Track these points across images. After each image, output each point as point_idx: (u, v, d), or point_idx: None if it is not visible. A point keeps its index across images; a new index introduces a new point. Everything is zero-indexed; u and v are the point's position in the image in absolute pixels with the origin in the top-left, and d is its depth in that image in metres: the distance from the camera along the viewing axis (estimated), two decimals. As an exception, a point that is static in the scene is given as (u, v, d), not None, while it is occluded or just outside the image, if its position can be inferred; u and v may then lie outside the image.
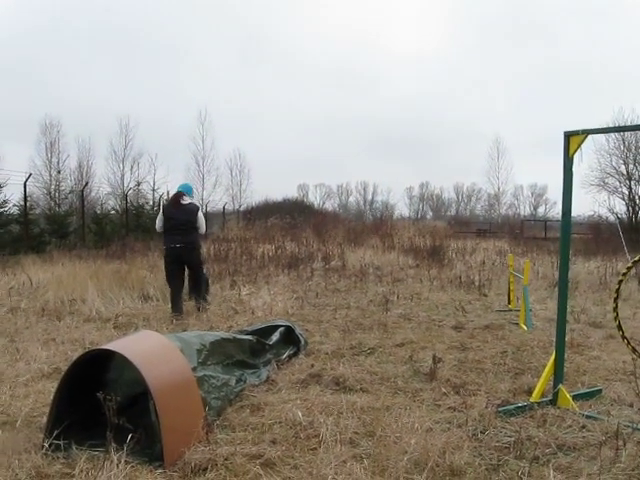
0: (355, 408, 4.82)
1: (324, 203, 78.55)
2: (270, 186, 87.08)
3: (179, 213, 9.41)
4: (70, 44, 76.38)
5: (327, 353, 6.78)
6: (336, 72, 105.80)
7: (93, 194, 37.55)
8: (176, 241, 9.31)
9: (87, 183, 35.90)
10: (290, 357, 6.44)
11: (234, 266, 14.28)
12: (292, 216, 30.66)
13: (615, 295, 4.98)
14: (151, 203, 28.53)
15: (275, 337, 6.46)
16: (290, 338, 6.71)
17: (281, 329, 6.65)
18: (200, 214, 9.68)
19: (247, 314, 8.92)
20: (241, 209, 46.86)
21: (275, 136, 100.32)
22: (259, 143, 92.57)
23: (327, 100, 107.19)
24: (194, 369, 4.61)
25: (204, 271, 10.29)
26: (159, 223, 9.57)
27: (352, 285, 12.63)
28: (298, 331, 6.90)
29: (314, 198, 79.79)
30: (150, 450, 3.94)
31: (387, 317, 8.97)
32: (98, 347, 4.78)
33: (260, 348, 6.03)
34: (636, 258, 4.92)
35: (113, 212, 27.58)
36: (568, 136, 4.98)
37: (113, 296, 9.99)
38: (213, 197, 47.22)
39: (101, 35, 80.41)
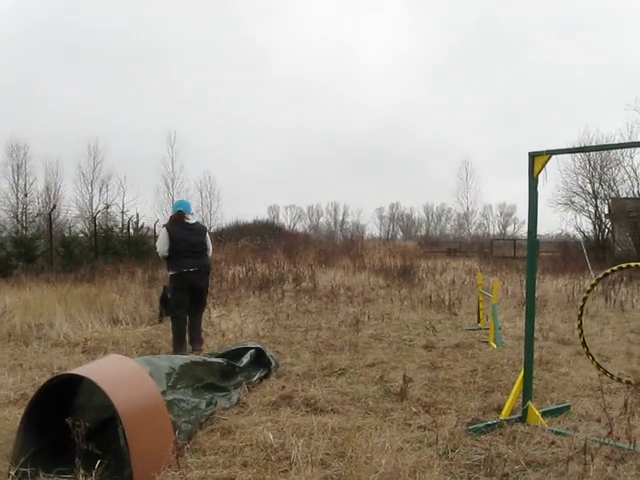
0: (326, 429, 4.81)
1: (295, 224, 78.68)
2: (240, 208, 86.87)
3: (189, 234, 8.48)
4: (36, 64, 75.74)
5: (298, 374, 6.78)
6: (305, 93, 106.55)
7: (61, 217, 37.30)
8: (189, 265, 8.32)
9: (55, 206, 35.68)
10: (261, 379, 6.42)
11: (205, 288, 14.22)
12: (263, 237, 30.66)
13: (579, 312, 5.05)
14: (120, 226, 28.30)
15: (246, 359, 6.43)
16: (261, 360, 6.69)
17: (251, 351, 6.62)
18: (208, 236, 8.87)
19: (217, 337, 8.89)
20: (211, 231, 46.66)
21: (245, 158, 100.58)
22: (229, 165, 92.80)
23: (297, 122, 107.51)
24: (163, 393, 4.57)
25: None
26: (164, 247, 8.41)
27: (323, 306, 12.64)
28: (269, 353, 6.88)
29: (285, 219, 79.86)
30: (119, 476, 3.90)
31: (358, 337, 8.98)
32: (66, 372, 4.73)
33: (230, 371, 6.00)
34: (600, 275, 4.99)
35: (82, 235, 27.28)
36: (533, 156, 5.06)
37: (82, 320, 9.87)
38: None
39: (68, 55, 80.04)
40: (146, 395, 4.27)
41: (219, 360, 5.96)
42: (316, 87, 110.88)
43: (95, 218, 27.56)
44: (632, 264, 4.88)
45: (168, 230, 8.49)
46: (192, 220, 8.69)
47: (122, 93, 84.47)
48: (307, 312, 11.89)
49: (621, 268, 4.89)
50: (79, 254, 22.43)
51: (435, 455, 4.27)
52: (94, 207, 44.95)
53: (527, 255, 5.26)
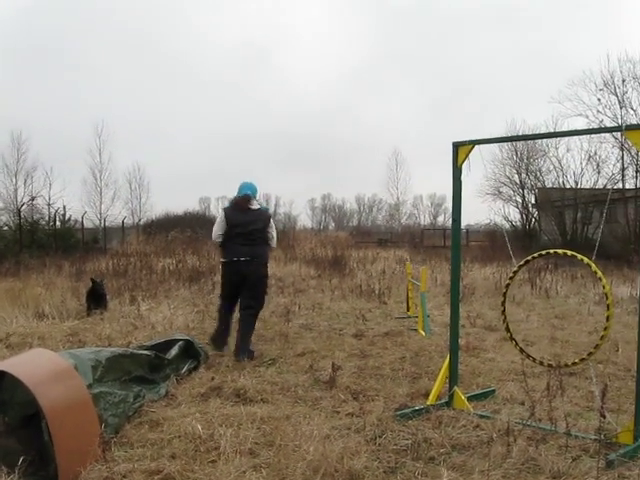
0: (255, 419, 4.82)
1: (227, 216, 78.02)
2: (171, 199, 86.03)
3: (248, 220, 7.70)
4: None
5: (228, 366, 6.75)
6: (237, 84, 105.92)
7: (-17, 210, 36.11)
8: (240, 253, 7.59)
9: (-23, 199, 34.54)
10: (190, 371, 6.37)
11: (133, 281, 14.01)
12: (193, 229, 30.34)
13: (503, 299, 5.17)
14: (47, 218, 27.66)
15: (174, 351, 6.36)
16: (190, 352, 6.63)
17: (180, 343, 6.55)
18: (273, 223, 8.03)
19: (147, 329, 8.77)
20: (141, 223, 45.93)
21: (176, 149, 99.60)
22: (159, 156, 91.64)
23: (229, 112, 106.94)
24: (89, 386, 4.50)
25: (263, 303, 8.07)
26: (218, 232, 7.78)
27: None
28: (198, 345, 6.83)
29: (216, 211, 79.11)
30: (44, 472, 3.83)
31: (288, 328, 8.99)
32: (-13, 368, 4.61)
33: (159, 363, 5.94)
34: (521, 262, 5.12)
35: (6, 228, 26.59)
36: (457, 146, 5.16)
37: (5, 315, 9.61)
38: (112, 211, 46.09)
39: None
40: (71, 389, 4.19)
41: (147, 352, 5.89)
42: (248, 78, 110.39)
43: (20, 210, 26.86)
44: (551, 251, 5.01)
45: (226, 214, 7.82)
46: (256, 206, 7.91)
47: (48, 82, 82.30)
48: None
49: (541, 255, 5.02)
50: (3, 248, 21.86)
51: (363, 441, 4.33)
52: (19, 199, 43.59)
53: (451, 242, 5.36)
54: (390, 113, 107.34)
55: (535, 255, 5.05)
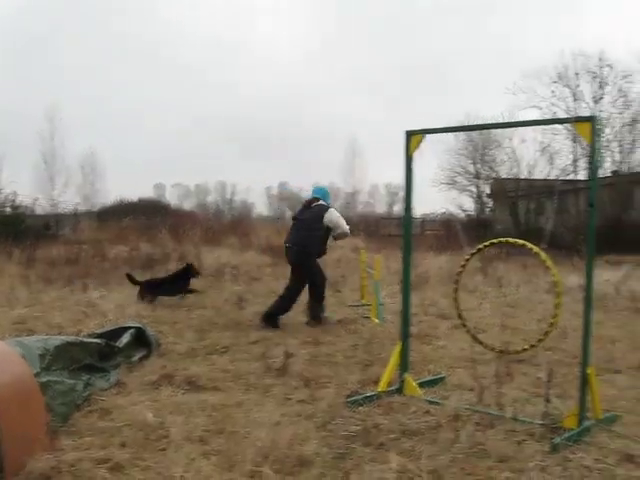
0: (206, 406, 4.81)
1: (182, 203, 77.30)
2: (125, 186, 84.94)
3: (304, 214, 9.06)
4: None
5: (180, 353, 6.73)
6: (193, 70, 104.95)
7: None
8: (288, 240, 9.02)
9: None
10: (141, 359, 6.32)
11: (85, 268, 13.83)
12: (148, 216, 29.99)
13: (455, 287, 5.24)
14: (-3, 205, 27.01)
15: (125, 339, 6.30)
16: (141, 340, 6.58)
17: (132, 331, 6.49)
18: (328, 214, 8.88)
19: (98, 317, 8.65)
20: (94, 210, 45.22)
21: (130, 135, 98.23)
22: (114, 142, 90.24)
23: (184, 100, 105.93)
24: (37, 375, 4.44)
25: (318, 284, 8.97)
26: None
27: (208, 285, 12.53)
28: (149, 332, 6.76)
29: (171, 198, 78.34)
30: (-10, 462, 3.77)
31: (242, 315, 8.99)
32: None
33: (109, 351, 5.88)
34: (473, 251, 5.18)
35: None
36: (409, 135, 5.20)
37: (-48, 303, 9.43)
38: (64, 197, 45.30)
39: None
40: (17, 377, 4.12)
41: (97, 341, 5.83)
42: (203, 66, 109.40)
43: (-32, 197, 26.25)
44: (502, 240, 5.09)
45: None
46: (317, 203, 9.00)
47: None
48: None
49: (492, 244, 5.09)
50: (-49, 234, 21.33)
51: (313, 427, 4.35)
52: (-33, 185, 42.61)
53: (403, 231, 5.40)
54: (348, 101, 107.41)
55: (486, 244, 5.12)
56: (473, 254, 5.27)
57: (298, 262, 8.81)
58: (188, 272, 10.61)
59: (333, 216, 8.84)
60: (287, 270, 10.84)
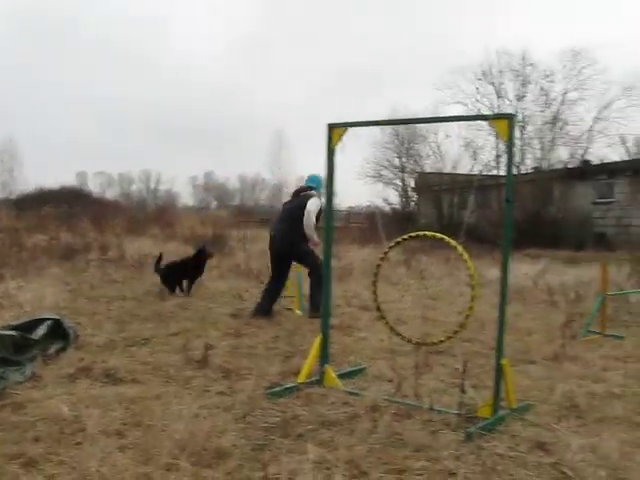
0: (124, 399, 4.74)
1: (104, 192, 75.80)
2: (46, 174, 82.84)
3: (291, 202, 8.99)
4: None
5: (99, 345, 6.60)
6: (116, 59, 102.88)
7: None
8: (273, 229, 9.10)
9: None
10: (58, 351, 6.17)
11: (1, 258, 13.41)
12: (69, 205, 29.34)
13: (374, 279, 5.30)
14: None
15: (41, 331, 6.15)
16: (59, 332, 6.43)
17: (48, 322, 6.33)
18: (310, 203, 8.60)
19: (14, 309, 8.42)
20: (12, 197, 43.95)
21: (52, 122, 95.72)
22: (35, 130, 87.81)
23: (108, 87, 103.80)
24: (-54, 368, 4.31)
25: (314, 265, 8.61)
26: None
27: (129, 276, 12.35)
28: (67, 324, 6.60)
29: (93, 186, 76.72)
30: None
31: (163, 307, 8.88)
32: None
33: (24, 344, 5.74)
34: (392, 244, 5.25)
35: None
36: (331, 128, 5.22)
37: None
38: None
39: None
40: None
41: (11, 333, 5.69)
42: (128, 53, 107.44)
43: None
44: (420, 233, 5.16)
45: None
46: (305, 192, 8.82)
47: None
48: (112, 282, 11.56)
49: (411, 237, 5.15)
50: None
51: (232, 419, 4.35)
52: None
53: (324, 223, 5.43)
54: (276, 92, 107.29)
55: (405, 237, 5.18)
56: (392, 247, 5.34)
57: (280, 253, 8.72)
58: (203, 254, 10.44)
59: (309, 205, 8.59)
60: (210, 261, 10.84)
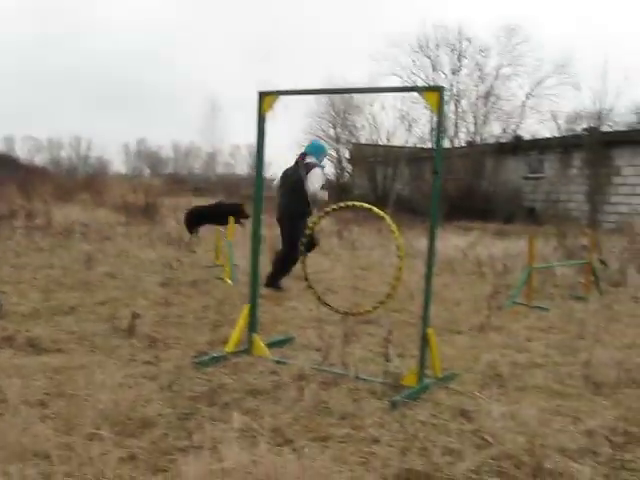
0: (48, 369, 4.65)
1: (33, 157, 73.71)
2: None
3: (288, 171, 8.68)
4: None
5: (23, 315, 6.44)
6: (47, 18, 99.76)
7: None
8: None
9: None
10: (-19, 321, 6.02)
11: None
12: (-5, 170, 28.50)
13: (302, 248, 5.32)
14: None
15: (-37, 300, 6.00)
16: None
17: (-30, 291, 6.18)
18: (317, 171, 8.37)
19: None
20: None
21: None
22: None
23: (36, 49, 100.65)
24: None
25: (291, 249, 8.14)
26: None
27: (57, 243, 12.06)
28: (-10, 293, 6.46)
29: (21, 152, 74.51)
30: None
31: (91, 275, 8.73)
32: None
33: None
34: (321, 214, 5.27)
35: None
36: (262, 95, 5.18)
37: None
38: None
39: None
40: None
41: None
42: (58, 15, 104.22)
43: None
44: (350, 203, 5.18)
45: None
46: (306, 160, 8.46)
47: None
48: (39, 250, 11.27)
49: (341, 207, 5.17)
50: None
51: (157, 389, 4.31)
52: None
53: (254, 193, 5.40)
54: (211, 59, 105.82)
55: (334, 207, 5.20)
56: (321, 217, 5.36)
57: (281, 220, 8.56)
58: (236, 212, 10.21)
59: (310, 176, 8.29)
60: (140, 229, 10.70)
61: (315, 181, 8.23)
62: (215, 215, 10.36)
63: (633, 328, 7.16)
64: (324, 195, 8.40)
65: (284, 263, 8.45)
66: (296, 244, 7.32)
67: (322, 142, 8.78)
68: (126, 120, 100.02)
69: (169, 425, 3.74)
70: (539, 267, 9.35)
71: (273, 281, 8.42)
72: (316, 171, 8.35)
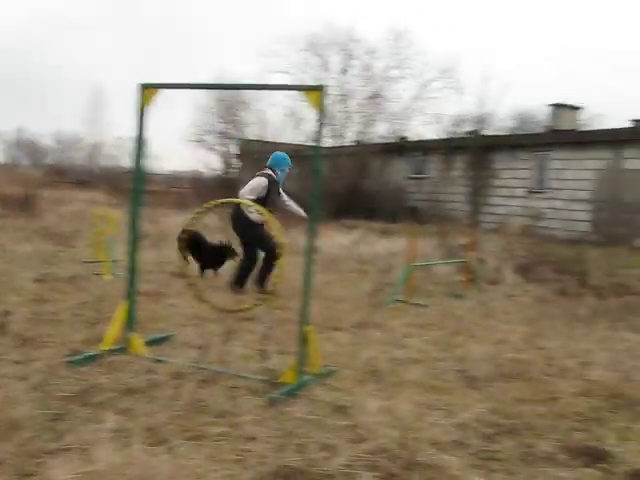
0: None
1: None
2: None
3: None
4: None
5: None
6: None
7: None
8: None
9: None
10: None
11: None
12: None
13: (179, 244, 5.27)
14: None
15: None
16: None
17: None
18: (254, 180, 8.51)
19: None
20: None
21: None
22: None
23: None
24: None
25: (258, 252, 8.53)
26: None
27: None
28: None
29: None
30: None
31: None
32: None
33: None
34: (201, 210, 5.23)
35: None
36: (143, 88, 5.09)
37: None
38: None
39: None
40: None
41: None
42: None
43: None
44: (226, 201, 5.17)
45: None
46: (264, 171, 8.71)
47: None
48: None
49: (222, 204, 5.16)
50: None
51: (27, 389, 4.14)
52: None
53: (133, 187, 5.29)
54: (96, 48, 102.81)
55: (213, 203, 5.19)
56: (200, 213, 5.32)
57: (237, 231, 8.58)
58: (224, 252, 9.66)
59: (251, 183, 8.48)
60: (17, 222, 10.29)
61: (248, 187, 8.35)
62: (215, 255, 9.91)
63: (506, 324, 7.47)
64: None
65: (267, 263, 8.48)
66: (272, 246, 8.03)
67: (282, 153, 8.83)
68: (3, 108, 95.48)
69: (39, 427, 3.62)
70: (419, 265, 9.59)
71: (239, 283, 8.49)
72: (257, 179, 8.55)
